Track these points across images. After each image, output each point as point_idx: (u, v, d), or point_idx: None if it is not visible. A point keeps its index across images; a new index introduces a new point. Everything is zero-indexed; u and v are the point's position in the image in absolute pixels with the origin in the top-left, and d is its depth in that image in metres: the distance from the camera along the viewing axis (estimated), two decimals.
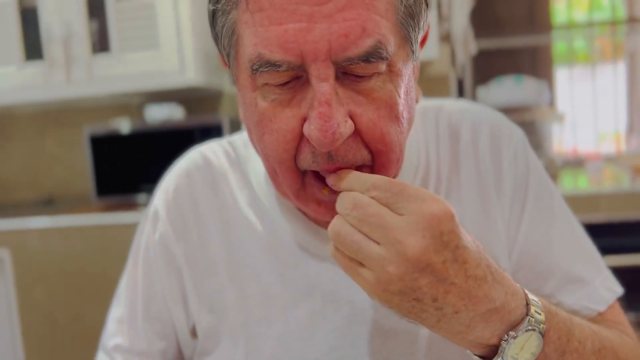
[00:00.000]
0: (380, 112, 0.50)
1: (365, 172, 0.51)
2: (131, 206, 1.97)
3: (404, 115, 0.52)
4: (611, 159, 2.51)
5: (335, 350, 0.60)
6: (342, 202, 0.47)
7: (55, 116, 2.36)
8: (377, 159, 0.52)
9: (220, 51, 0.55)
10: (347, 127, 0.48)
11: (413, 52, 0.53)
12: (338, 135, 0.47)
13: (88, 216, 1.86)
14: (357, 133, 0.50)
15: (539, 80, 2.31)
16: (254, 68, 0.49)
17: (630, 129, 2.76)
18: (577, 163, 2.51)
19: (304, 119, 0.49)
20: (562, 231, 0.65)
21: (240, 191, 0.65)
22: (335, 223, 0.47)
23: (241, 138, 0.69)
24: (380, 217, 0.45)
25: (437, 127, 0.66)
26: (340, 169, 0.51)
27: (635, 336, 0.65)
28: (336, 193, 0.51)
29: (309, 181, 0.53)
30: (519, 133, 0.67)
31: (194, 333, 0.65)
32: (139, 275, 0.66)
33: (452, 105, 0.69)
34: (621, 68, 2.77)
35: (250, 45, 0.48)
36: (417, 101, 0.58)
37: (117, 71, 1.91)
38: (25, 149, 2.40)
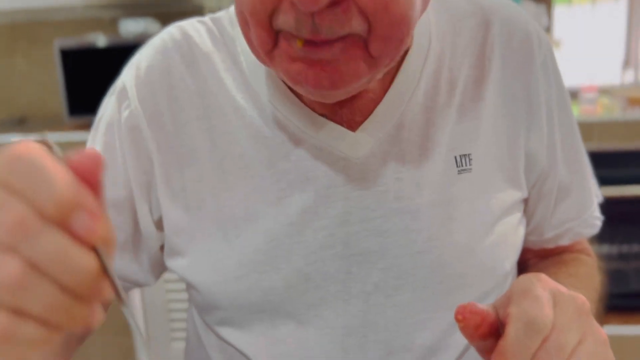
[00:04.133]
0: None
1: (357, 43, 0.44)
2: None
3: None
4: (605, 91, 2.46)
5: (326, 248, 0.55)
6: None
7: (25, 32, 2.23)
8: (376, 29, 0.43)
9: None
10: None
11: None
12: None
13: (60, 134, 1.78)
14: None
15: (537, 4, 2.22)
16: None
17: (627, 62, 2.71)
18: (571, 94, 2.46)
19: None
20: (581, 145, 0.64)
21: (226, 73, 0.57)
22: None
23: (227, 15, 0.61)
24: None
25: (460, 19, 0.59)
26: (326, 42, 0.43)
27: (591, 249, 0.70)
28: (311, 47, 0.43)
29: (283, 36, 0.45)
30: (547, 38, 0.61)
31: (159, 226, 0.59)
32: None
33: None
34: (622, 1, 2.69)
35: None
36: None
37: None
38: None
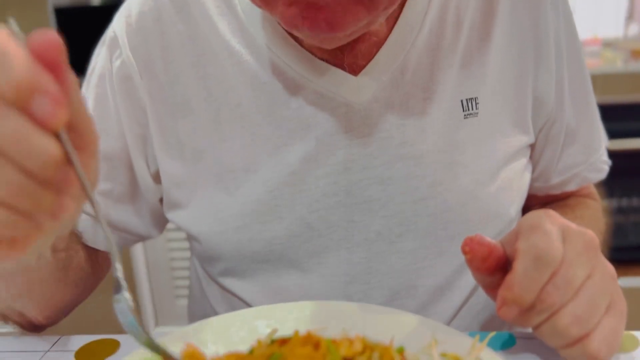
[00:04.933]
0: None
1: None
2: None
3: None
4: (609, 44, 2.43)
5: (328, 197, 0.54)
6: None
7: None
8: None
9: None
10: None
11: None
12: None
13: None
14: None
15: None
16: None
17: (630, 14, 2.66)
18: None
19: None
20: (590, 87, 0.62)
21: (220, 17, 0.55)
22: None
23: None
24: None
25: None
26: None
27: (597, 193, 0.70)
28: None
29: None
30: None
31: (157, 179, 0.59)
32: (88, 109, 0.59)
33: None
34: None
35: None
36: None
37: None
38: None
